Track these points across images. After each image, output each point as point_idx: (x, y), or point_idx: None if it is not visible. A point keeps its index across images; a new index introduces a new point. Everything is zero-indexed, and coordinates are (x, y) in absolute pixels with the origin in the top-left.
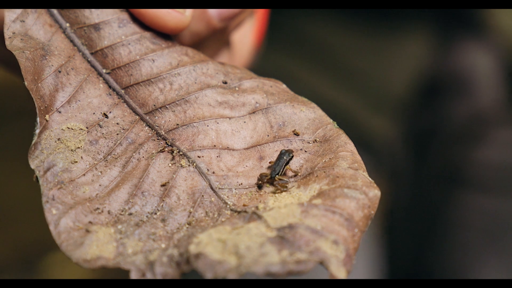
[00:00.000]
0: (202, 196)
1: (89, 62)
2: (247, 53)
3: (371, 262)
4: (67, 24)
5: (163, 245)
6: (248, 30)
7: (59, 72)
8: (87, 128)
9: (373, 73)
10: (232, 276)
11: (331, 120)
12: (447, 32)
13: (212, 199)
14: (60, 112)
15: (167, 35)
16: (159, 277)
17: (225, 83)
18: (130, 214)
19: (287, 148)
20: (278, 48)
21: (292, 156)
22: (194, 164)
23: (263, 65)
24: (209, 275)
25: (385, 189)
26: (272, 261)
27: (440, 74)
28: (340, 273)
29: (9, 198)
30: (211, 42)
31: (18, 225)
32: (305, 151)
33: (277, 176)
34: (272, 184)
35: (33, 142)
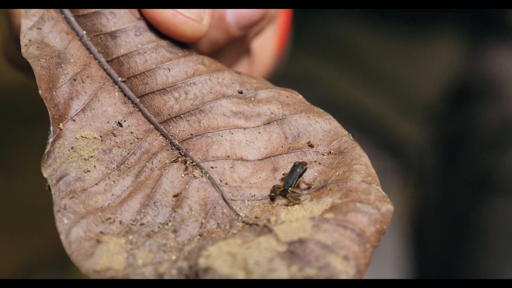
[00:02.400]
0: (214, 207)
1: (105, 70)
2: (268, 61)
3: (400, 268)
4: (84, 32)
5: (173, 257)
6: (269, 37)
7: (74, 80)
8: (101, 137)
9: (403, 77)
10: None
11: (346, 132)
12: (478, 36)
13: (224, 210)
14: (74, 120)
15: (184, 44)
16: None
17: (241, 93)
18: (142, 224)
19: (301, 160)
20: (306, 51)
21: (306, 169)
22: (207, 175)
23: (290, 67)
24: None
25: (413, 194)
26: (281, 276)
27: (470, 79)
28: None
29: (45, 199)
30: (230, 50)
31: (54, 226)
32: (319, 163)
33: (290, 188)
34: (284, 196)
35: (46, 150)
